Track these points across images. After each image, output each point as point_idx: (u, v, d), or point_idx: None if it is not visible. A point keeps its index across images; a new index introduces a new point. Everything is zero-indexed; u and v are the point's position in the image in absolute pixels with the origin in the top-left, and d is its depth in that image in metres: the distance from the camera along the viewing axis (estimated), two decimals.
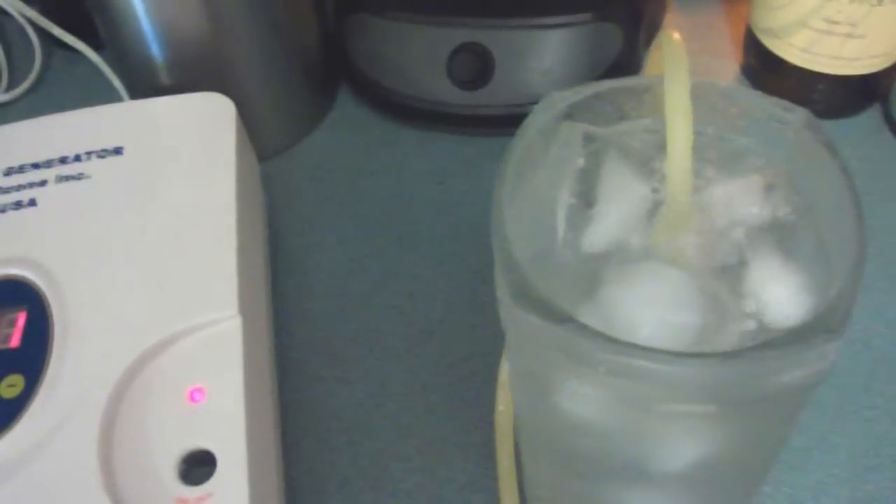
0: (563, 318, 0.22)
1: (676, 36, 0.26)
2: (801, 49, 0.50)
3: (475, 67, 0.49)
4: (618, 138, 0.28)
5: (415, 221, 0.49)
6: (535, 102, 0.49)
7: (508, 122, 0.50)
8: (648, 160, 0.27)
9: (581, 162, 0.27)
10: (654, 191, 0.27)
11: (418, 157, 0.52)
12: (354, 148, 0.53)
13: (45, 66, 0.60)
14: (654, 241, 0.26)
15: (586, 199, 0.27)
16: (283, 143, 0.53)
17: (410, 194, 0.50)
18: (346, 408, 0.41)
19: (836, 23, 0.47)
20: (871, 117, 0.53)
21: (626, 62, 0.51)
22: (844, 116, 0.52)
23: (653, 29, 0.56)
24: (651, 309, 0.24)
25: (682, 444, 0.26)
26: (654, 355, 0.21)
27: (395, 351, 0.43)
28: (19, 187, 0.39)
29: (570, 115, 0.28)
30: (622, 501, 0.30)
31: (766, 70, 0.53)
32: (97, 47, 0.55)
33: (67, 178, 0.39)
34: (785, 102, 0.28)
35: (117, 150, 0.40)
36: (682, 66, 0.25)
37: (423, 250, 0.47)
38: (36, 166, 0.40)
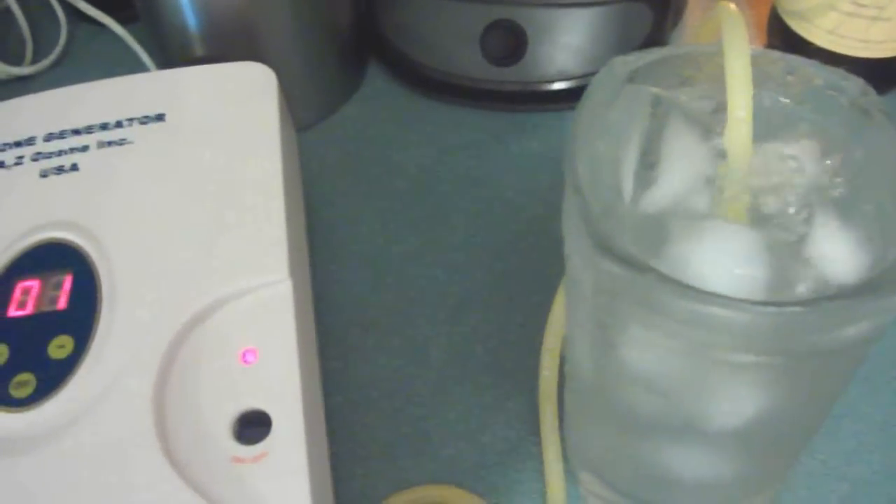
0: (644, 268, 0.22)
1: (734, 7, 0.27)
2: (827, 31, 0.50)
3: (508, 44, 0.50)
4: (682, 101, 0.28)
5: (447, 194, 0.49)
6: (566, 79, 0.51)
7: (539, 97, 0.51)
8: (711, 123, 0.28)
9: (647, 123, 0.28)
10: (717, 152, 0.27)
11: (449, 131, 0.53)
12: (386, 122, 0.54)
13: (70, 40, 0.60)
14: (717, 200, 0.26)
15: (651, 159, 0.27)
16: (315, 117, 0.53)
17: (442, 167, 0.51)
18: (386, 376, 0.41)
19: (863, 5, 0.48)
20: (895, 101, 0.53)
21: (654, 42, 0.52)
22: None
23: (679, 11, 0.56)
24: (719, 263, 0.25)
25: (742, 399, 0.26)
26: (732, 303, 0.22)
27: (432, 320, 0.43)
28: (60, 152, 0.39)
29: (632, 79, 0.28)
30: (673, 459, 0.30)
31: (790, 52, 0.53)
32: (123, 21, 0.55)
33: (110, 143, 0.39)
34: (841, 71, 0.29)
35: (159, 117, 0.40)
36: (742, 36, 0.26)
37: (455, 222, 0.48)
38: (77, 132, 0.40)
